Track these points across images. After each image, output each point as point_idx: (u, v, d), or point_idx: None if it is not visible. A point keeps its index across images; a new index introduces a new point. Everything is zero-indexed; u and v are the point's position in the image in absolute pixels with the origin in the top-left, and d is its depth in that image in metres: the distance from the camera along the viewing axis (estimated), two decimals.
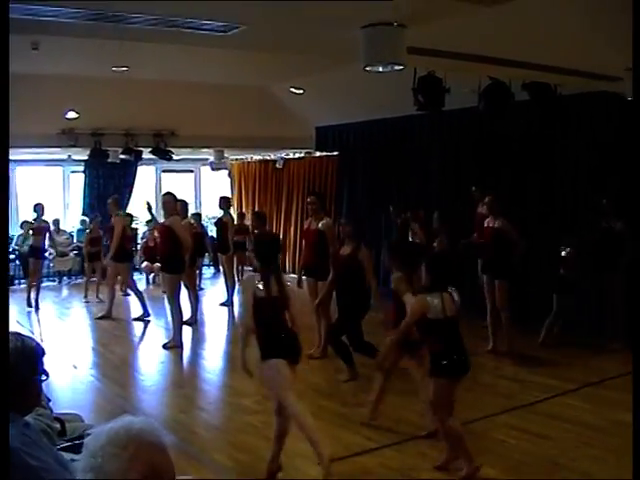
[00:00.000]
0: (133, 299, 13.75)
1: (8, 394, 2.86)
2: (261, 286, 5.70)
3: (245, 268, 16.93)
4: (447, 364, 5.84)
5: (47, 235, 14.44)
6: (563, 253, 10.36)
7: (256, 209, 18.50)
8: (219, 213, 15.28)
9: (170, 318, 10.76)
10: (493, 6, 5.23)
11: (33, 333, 11.02)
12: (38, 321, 13.03)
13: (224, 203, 14.71)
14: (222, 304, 14.31)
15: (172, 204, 10.77)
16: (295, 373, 5.85)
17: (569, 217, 11.06)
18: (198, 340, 11.68)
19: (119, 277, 13.64)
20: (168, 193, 11.10)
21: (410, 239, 12.02)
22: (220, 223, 14.52)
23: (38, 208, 14.23)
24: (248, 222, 17.37)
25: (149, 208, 11.62)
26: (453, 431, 5.89)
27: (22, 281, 16.09)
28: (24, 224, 15.19)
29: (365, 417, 7.21)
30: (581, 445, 6.55)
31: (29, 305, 13.87)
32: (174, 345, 10.55)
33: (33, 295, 14.00)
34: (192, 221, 13.12)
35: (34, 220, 14.19)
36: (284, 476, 5.98)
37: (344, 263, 8.84)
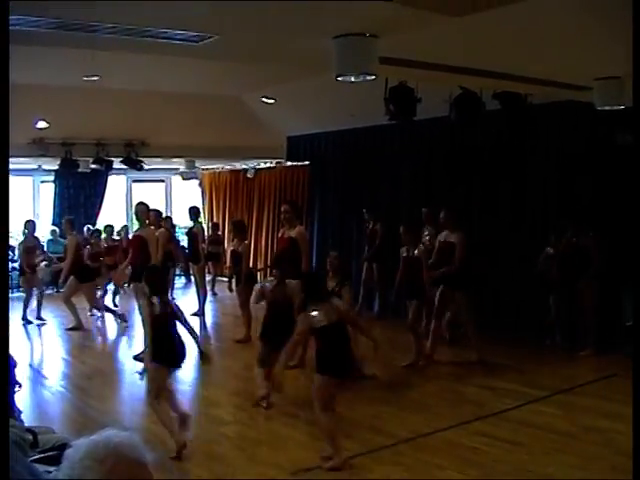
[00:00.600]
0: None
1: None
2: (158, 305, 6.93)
3: (218, 278, 16.90)
4: (330, 364, 6.39)
5: (38, 251, 14.31)
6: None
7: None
8: (190, 223, 15.26)
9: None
10: (464, 17, 5.27)
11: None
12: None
13: (194, 213, 14.67)
14: (193, 314, 14.27)
15: (145, 214, 10.73)
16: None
17: (539, 226, 11.15)
18: None
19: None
20: (141, 203, 11.04)
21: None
22: (191, 233, 14.49)
23: (29, 225, 14.19)
24: (220, 232, 17.41)
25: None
26: (324, 423, 6.45)
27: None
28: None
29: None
30: (553, 452, 6.59)
31: (25, 318, 13.67)
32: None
33: (30, 308, 13.85)
34: (164, 230, 12.99)
35: (25, 238, 14.10)
36: None
37: None
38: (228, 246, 15.70)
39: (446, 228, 10.13)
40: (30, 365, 10.09)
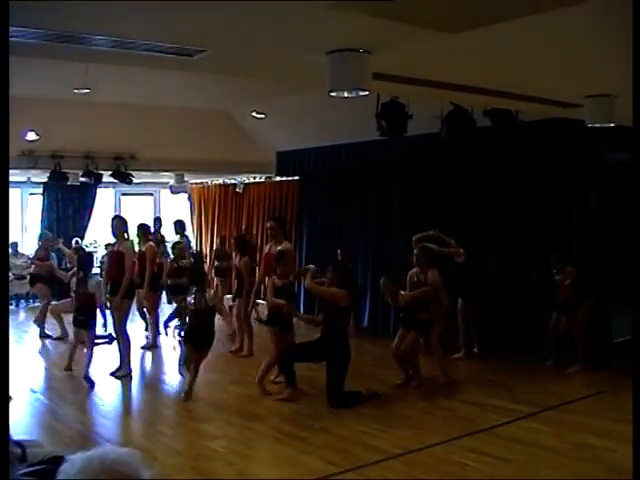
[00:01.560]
0: None
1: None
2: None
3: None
4: (192, 337, 9.23)
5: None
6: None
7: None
8: (175, 237, 15.16)
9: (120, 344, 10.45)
10: (456, 33, 5.29)
11: None
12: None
13: (179, 227, 14.50)
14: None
15: (120, 228, 10.54)
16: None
17: (528, 244, 11.18)
18: (158, 364, 11.60)
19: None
20: (117, 217, 10.91)
21: None
22: (177, 247, 14.29)
23: (43, 237, 14.11)
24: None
25: None
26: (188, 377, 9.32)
27: None
28: None
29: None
30: (543, 468, 6.58)
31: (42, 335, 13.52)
32: (123, 374, 10.30)
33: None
34: (152, 244, 12.85)
35: (38, 249, 14.08)
36: None
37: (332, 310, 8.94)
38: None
39: (418, 266, 9.82)
40: (16, 378, 10.02)
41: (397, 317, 11.64)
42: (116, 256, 10.38)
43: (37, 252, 14.28)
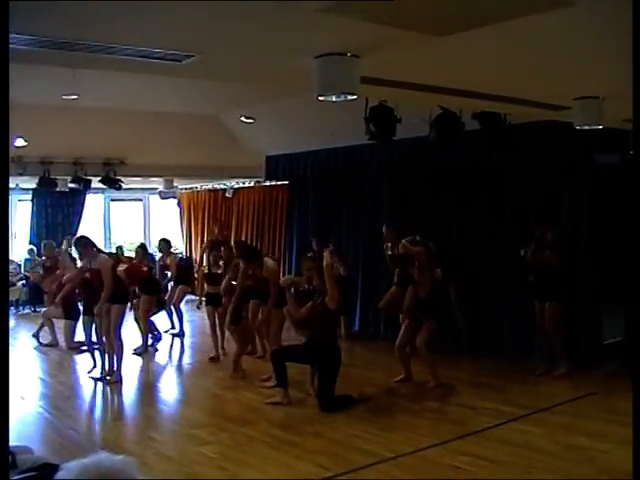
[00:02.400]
0: None
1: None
2: None
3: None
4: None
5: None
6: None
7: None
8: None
9: (112, 350, 10.42)
10: (444, 37, 5.30)
11: None
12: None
13: (164, 246, 14.39)
14: (174, 335, 14.22)
15: (85, 248, 10.45)
16: None
17: (518, 246, 11.18)
18: (149, 371, 11.56)
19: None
20: (79, 239, 10.75)
21: None
22: (164, 265, 14.20)
23: (48, 245, 14.15)
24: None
25: None
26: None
27: None
28: None
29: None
30: (534, 470, 6.57)
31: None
32: (114, 380, 10.27)
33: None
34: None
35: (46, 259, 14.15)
36: None
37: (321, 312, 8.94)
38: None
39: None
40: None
41: (388, 320, 11.71)
42: (97, 274, 10.27)
43: (39, 264, 14.18)
